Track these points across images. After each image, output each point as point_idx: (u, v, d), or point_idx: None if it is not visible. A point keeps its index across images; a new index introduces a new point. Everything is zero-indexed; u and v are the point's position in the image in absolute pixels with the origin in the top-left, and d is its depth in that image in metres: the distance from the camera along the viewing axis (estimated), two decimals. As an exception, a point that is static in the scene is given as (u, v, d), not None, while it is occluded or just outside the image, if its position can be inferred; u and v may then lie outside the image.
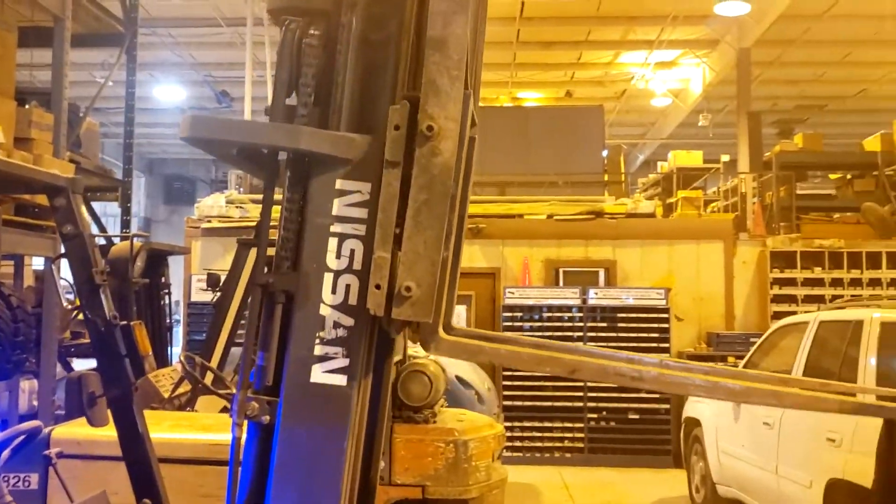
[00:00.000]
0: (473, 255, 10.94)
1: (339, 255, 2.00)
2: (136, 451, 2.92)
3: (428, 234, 1.93)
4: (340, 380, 1.99)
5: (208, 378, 5.02)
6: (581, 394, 10.01)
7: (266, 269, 2.05)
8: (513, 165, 14.38)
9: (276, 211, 2.08)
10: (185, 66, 18.61)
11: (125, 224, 8.04)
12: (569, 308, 10.28)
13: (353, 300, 2.00)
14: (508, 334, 2.41)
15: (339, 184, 2.02)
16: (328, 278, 2.00)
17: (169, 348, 7.19)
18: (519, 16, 15.72)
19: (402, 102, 2.00)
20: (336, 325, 2.00)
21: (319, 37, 2.06)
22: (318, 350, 1.99)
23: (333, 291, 2.00)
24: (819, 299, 10.22)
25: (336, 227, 2.01)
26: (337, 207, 2.01)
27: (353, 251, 2.00)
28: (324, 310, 2.00)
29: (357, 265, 2.00)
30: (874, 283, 10.35)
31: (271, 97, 2.12)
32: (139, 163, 26.19)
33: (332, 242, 2.00)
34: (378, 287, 1.93)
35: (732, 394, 2.19)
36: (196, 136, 2.01)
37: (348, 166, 2.01)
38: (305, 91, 2.07)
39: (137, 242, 4.57)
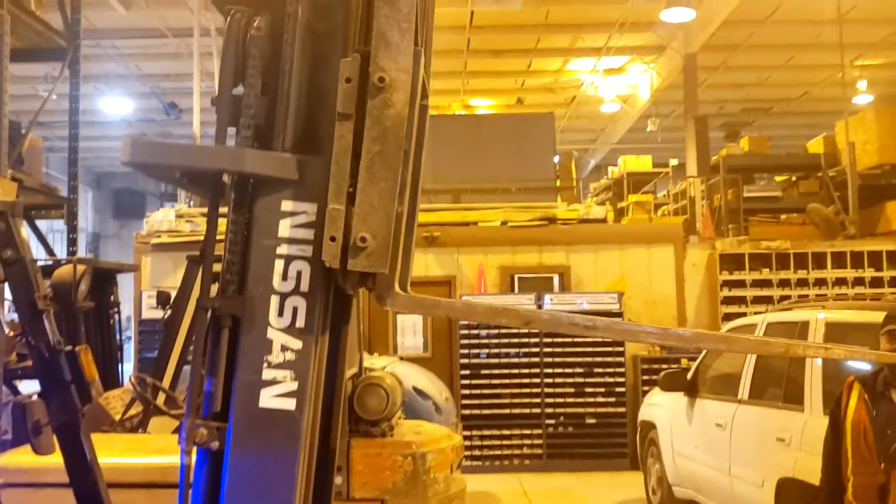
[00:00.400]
0: (428, 264, 10.95)
1: (285, 277, 1.99)
2: (83, 479, 2.86)
3: (382, 185, 1.93)
4: (289, 404, 1.97)
5: (160, 398, 4.94)
6: (539, 400, 10.05)
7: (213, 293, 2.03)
8: (466, 173, 14.41)
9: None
10: (132, 77, 18.34)
11: (71, 242, 7.87)
12: (524, 314, 10.28)
13: (300, 322, 1.98)
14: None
15: (284, 205, 2.00)
16: (275, 301, 1.98)
17: (120, 366, 7.06)
18: (469, 25, 15.81)
19: (353, 56, 1.99)
20: (283, 348, 1.98)
21: (265, 27, 2.04)
22: (266, 374, 1.97)
23: (280, 314, 1.98)
24: (768, 300, 10.42)
25: (282, 249, 1.99)
26: (283, 229, 1.99)
27: (299, 273, 1.99)
28: (271, 333, 1.98)
29: (304, 287, 1.98)
30: (820, 282, 10.58)
31: (218, 88, 2.08)
32: (86, 177, 25.72)
33: (279, 264, 1.99)
34: (333, 239, 1.92)
35: (683, 339, 2.21)
36: (138, 161, 1.97)
37: (294, 187, 2.00)
38: (252, 83, 2.03)
39: (81, 266, 4.47)
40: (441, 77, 18.70)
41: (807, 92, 19.93)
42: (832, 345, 2.33)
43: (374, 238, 1.91)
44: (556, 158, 16.41)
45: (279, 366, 1.97)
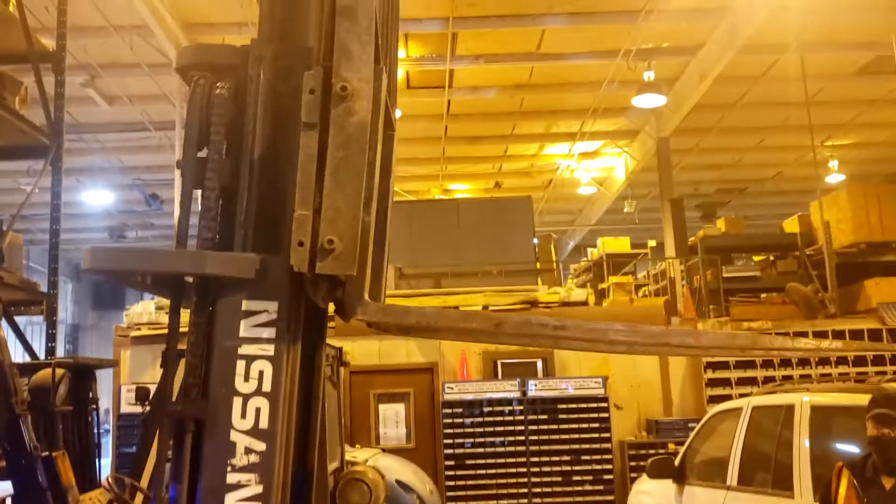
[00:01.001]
0: (410, 351, 10.87)
1: (247, 378, 1.97)
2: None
3: (347, 189, 1.96)
4: None
5: (138, 499, 4.79)
6: (526, 490, 9.86)
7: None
8: (446, 257, 14.47)
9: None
10: (114, 170, 18.47)
11: (50, 338, 7.76)
12: (509, 401, 10.21)
13: (263, 424, 1.96)
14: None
15: (245, 304, 2.01)
16: (237, 402, 1.96)
17: (98, 462, 6.89)
18: (446, 113, 16.14)
19: (316, 68, 2.03)
20: (248, 450, 1.95)
21: (228, 89, 2.09)
22: (231, 478, 1.93)
23: (243, 416, 1.96)
24: (752, 381, 10.38)
25: (244, 349, 1.99)
26: (244, 328, 1.99)
27: (261, 372, 1.98)
28: (234, 436, 1.95)
29: (266, 387, 1.97)
30: (803, 362, 10.57)
31: (182, 152, 2.12)
32: (66, 268, 25.57)
33: (241, 365, 1.98)
34: (301, 244, 1.94)
35: (651, 335, 2.20)
36: (99, 268, 1.97)
37: (254, 286, 2.00)
38: (216, 146, 2.05)
39: (60, 370, 4.42)
40: (420, 163, 18.97)
41: (780, 172, 20.34)
42: (800, 339, 2.26)
43: (342, 241, 1.94)
44: (536, 241, 16.56)
45: (243, 468, 1.94)
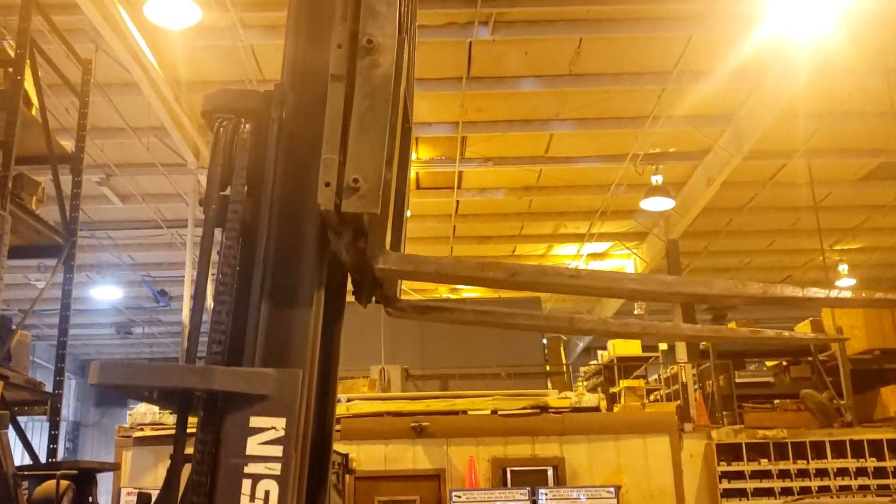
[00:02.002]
0: (417, 457, 10.62)
1: (253, 498, 1.92)
2: None
3: (371, 136, 2.05)
4: None
5: None
6: None
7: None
8: (454, 358, 14.35)
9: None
10: (124, 266, 18.56)
11: (52, 439, 7.62)
12: (518, 510, 9.88)
13: None
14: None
15: (253, 421, 1.97)
16: None
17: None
18: (454, 213, 16.28)
19: (343, 25, 2.13)
20: None
21: (251, 131, 2.17)
22: None
23: None
24: (769, 492, 10.09)
25: (250, 468, 1.93)
26: (251, 446, 1.95)
27: (267, 493, 1.92)
28: None
29: None
30: (821, 473, 10.29)
31: (206, 191, 2.17)
32: (71, 364, 25.44)
33: (246, 484, 1.93)
34: (328, 185, 2.00)
35: (664, 283, 2.24)
36: (107, 383, 1.94)
37: (262, 402, 1.96)
38: (238, 184, 2.11)
39: (64, 482, 4.32)
40: (429, 263, 19.01)
41: (790, 275, 20.32)
42: (810, 289, 2.26)
43: (366, 182, 2.01)
44: (545, 341, 16.43)
45: None
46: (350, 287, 2.60)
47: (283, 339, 2.06)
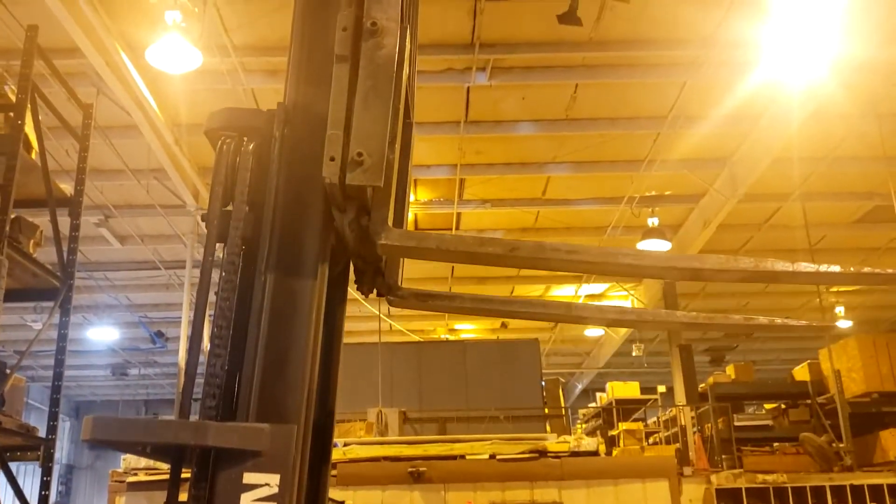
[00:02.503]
0: (415, 503, 10.51)
1: None
2: None
3: (374, 112, 2.11)
4: None
5: None
6: None
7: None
8: (452, 400, 14.28)
9: None
10: (120, 307, 18.53)
11: (44, 485, 7.53)
12: (517, 557, 9.76)
13: None
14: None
15: (246, 477, 1.95)
16: None
17: None
18: (453, 255, 16.28)
19: (347, 10, 2.20)
20: None
21: (253, 148, 2.21)
22: None
23: None
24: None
25: None
26: (245, 503, 1.92)
27: None
28: None
29: None
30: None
31: (209, 207, 2.19)
32: (66, 406, 25.28)
33: None
34: (332, 159, 2.07)
35: (659, 258, 2.29)
36: (99, 439, 1.94)
37: (256, 458, 1.95)
38: (240, 204, 2.15)
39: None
40: (427, 304, 19.01)
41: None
42: (800, 263, 2.25)
43: (370, 156, 2.06)
44: (543, 383, 16.37)
45: None
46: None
47: (278, 392, 2.06)
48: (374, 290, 2.61)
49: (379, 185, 2.08)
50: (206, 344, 2.27)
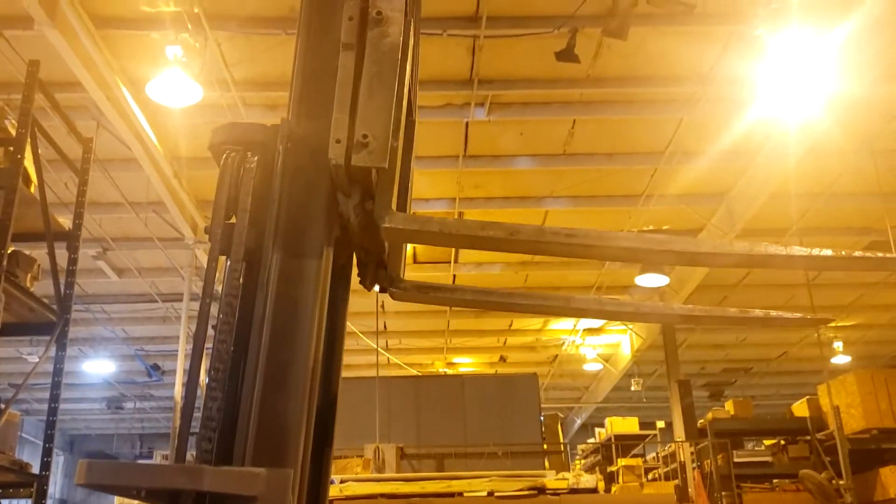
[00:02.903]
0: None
1: None
2: None
3: (379, 98, 2.17)
4: None
5: None
6: None
7: None
8: (450, 436, 14.17)
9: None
10: (117, 340, 18.46)
11: (36, 521, 7.44)
12: None
13: None
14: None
15: None
16: None
17: None
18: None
19: (354, 1, 2.25)
20: None
21: (257, 162, 2.24)
22: None
23: None
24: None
25: None
26: None
27: None
28: None
29: None
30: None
31: (212, 219, 2.21)
32: (60, 440, 25.08)
33: None
34: (338, 141, 2.12)
35: (656, 241, 2.29)
36: (94, 483, 1.92)
37: (253, 502, 1.93)
38: (243, 216, 2.17)
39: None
40: (424, 336, 18.98)
41: (785, 352, 20.28)
42: (793, 247, 2.29)
43: (375, 139, 2.11)
44: (541, 418, 16.27)
45: None
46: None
47: (276, 436, 2.04)
48: (377, 286, 2.64)
49: (383, 166, 2.13)
50: (203, 379, 2.26)
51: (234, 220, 2.23)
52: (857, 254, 2.35)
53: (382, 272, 2.62)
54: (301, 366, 2.11)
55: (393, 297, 2.62)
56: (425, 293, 2.70)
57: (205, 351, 2.15)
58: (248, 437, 2.02)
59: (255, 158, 2.26)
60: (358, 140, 2.12)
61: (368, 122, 2.15)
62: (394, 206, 2.26)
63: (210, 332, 2.16)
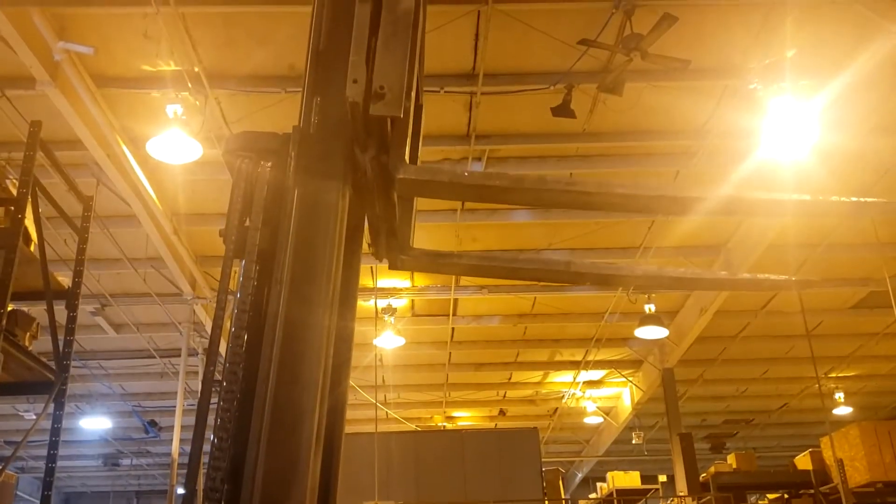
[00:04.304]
0: None
1: None
2: None
3: (395, 54, 2.29)
4: None
5: None
6: None
7: None
8: (450, 492, 13.99)
9: None
10: (114, 396, 18.30)
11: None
12: None
13: None
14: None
15: None
16: None
17: None
18: (450, 340, 16.24)
19: None
20: None
21: (270, 167, 2.38)
22: None
23: None
24: None
25: None
26: None
27: None
28: None
29: None
30: None
31: (227, 222, 2.33)
32: (55, 498, 24.64)
33: None
34: (356, 81, 2.21)
35: (652, 189, 2.56)
36: None
37: None
38: (257, 217, 2.29)
39: None
40: (423, 389, 18.85)
41: (786, 403, 20.13)
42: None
43: (391, 90, 2.22)
44: (542, 472, 16.08)
45: None
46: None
47: (284, 471, 2.05)
48: (387, 261, 2.79)
49: (398, 115, 2.24)
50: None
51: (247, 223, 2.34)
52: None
53: (393, 241, 2.75)
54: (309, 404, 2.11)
55: (402, 265, 2.78)
56: (433, 260, 2.87)
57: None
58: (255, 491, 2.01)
59: (268, 164, 2.39)
60: (375, 91, 2.23)
61: (384, 74, 2.26)
62: (406, 156, 2.40)
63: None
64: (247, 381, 2.18)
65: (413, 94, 2.52)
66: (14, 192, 6.72)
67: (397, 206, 2.61)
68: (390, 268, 2.78)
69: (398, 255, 2.74)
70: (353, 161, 2.41)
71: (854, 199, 2.51)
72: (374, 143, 2.35)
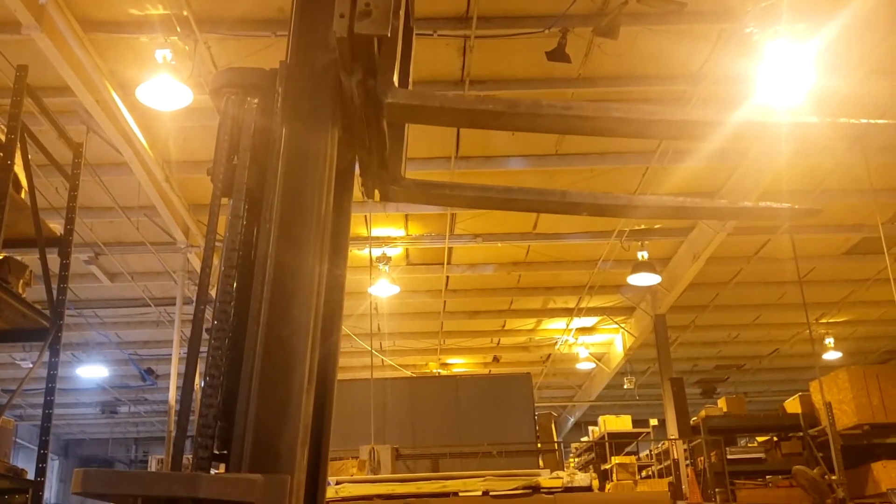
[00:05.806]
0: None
1: None
2: None
3: None
4: None
5: None
6: None
7: None
8: (445, 436, 14.18)
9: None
10: (110, 345, 18.40)
11: (31, 528, 7.42)
12: None
13: None
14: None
15: None
16: None
17: None
18: (444, 288, 16.31)
19: None
20: None
21: (257, 104, 2.31)
22: None
23: None
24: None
25: None
26: None
27: None
28: None
29: None
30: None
31: (214, 161, 2.27)
32: (54, 444, 25.00)
33: None
34: (342, 15, 2.13)
35: (647, 112, 2.49)
36: (90, 492, 1.92)
37: None
38: (244, 155, 2.23)
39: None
40: (418, 337, 18.98)
41: (777, 349, 20.35)
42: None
43: (377, 7, 2.13)
44: (535, 417, 16.30)
45: None
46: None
47: (272, 440, 2.04)
48: (378, 192, 2.70)
49: (385, 34, 2.15)
50: (198, 382, 2.27)
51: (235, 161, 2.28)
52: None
53: (384, 173, 2.66)
54: (301, 328, 2.12)
55: (394, 196, 2.69)
56: (426, 190, 2.78)
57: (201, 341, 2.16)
58: (245, 442, 2.02)
59: (255, 100, 2.32)
60: (361, 9, 2.15)
61: None
62: (395, 80, 2.32)
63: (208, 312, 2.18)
64: (238, 320, 2.19)
65: (402, 13, 2.44)
66: (2, 138, 6.66)
67: (387, 134, 2.51)
68: (381, 198, 2.68)
69: (389, 185, 2.65)
70: (341, 97, 2.32)
71: (862, 120, 2.42)
72: (360, 67, 2.25)
